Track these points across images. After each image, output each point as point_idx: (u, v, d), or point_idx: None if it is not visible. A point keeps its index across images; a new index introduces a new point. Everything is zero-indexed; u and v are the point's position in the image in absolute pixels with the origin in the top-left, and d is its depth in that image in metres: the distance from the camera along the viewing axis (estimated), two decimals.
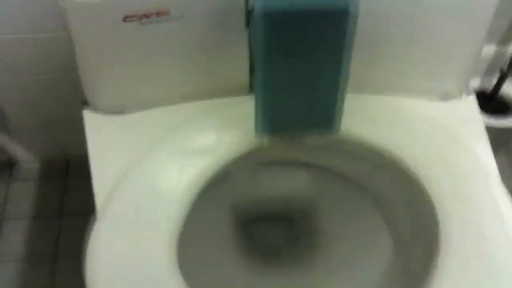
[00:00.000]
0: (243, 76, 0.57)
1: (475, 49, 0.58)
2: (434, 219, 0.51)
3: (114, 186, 0.49)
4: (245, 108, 0.56)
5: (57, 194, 1.00)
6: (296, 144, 0.57)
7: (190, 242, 0.65)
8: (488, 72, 0.86)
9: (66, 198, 0.99)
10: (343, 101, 0.50)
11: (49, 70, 0.78)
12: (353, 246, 0.70)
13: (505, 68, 0.80)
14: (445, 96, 0.62)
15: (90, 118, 0.56)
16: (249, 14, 0.48)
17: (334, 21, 0.43)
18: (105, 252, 0.46)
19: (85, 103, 0.58)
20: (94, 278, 0.44)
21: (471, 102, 0.63)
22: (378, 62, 0.58)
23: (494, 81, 0.84)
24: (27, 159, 1.03)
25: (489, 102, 0.86)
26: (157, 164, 0.52)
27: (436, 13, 0.52)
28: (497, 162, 0.56)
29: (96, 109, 0.57)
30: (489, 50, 0.83)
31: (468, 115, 0.61)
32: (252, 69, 0.54)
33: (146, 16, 0.47)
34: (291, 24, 0.43)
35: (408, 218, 0.63)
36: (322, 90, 0.49)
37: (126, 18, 0.47)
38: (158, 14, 0.48)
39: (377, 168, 0.62)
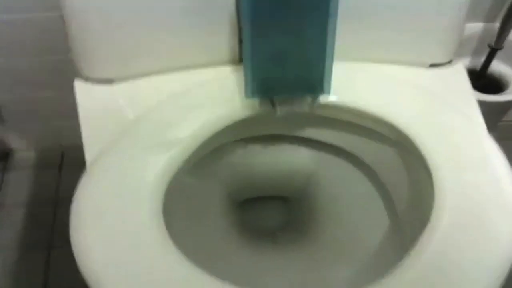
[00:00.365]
0: (232, 46, 0.57)
1: (459, 15, 0.59)
2: (429, 180, 0.51)
3: (103, 150, 0.50)
4: (234, 77, 0.57)
5: (52, 182, 1.00)
6: (285, 112, 0.57)
7: (182, 218, 0.66)
8: (477, 51, 0.87)
9: (61, 187, 0.99)
10: (331, 63, 0.51)
11: (43, 51, 0.78)
12: (349, 219, 0.70)
13: (492, 43, 0.80)
14: (433, 64, 0.62)
15: (81, 87, 0.57)
16: None
17: None
18: (89, 210, 0.46)
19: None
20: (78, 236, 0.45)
21: (460, 69, 0.63)
22: (365, 30, 0.58)
23: (483, 59, 0.85)
24: (22, 148, 1.03)
25: (480, 80, 0.87)
26: (147, 130, 0.52)
27: None
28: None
29: (87, 79, 0.58)
30: (477, 27, 0.84)
31: (456, 81, 0.62)
32: (241, 40, 0.55)
33: None
34: None
35: (403, 186, 0.63)
36: (310, 52, 0.50)
37: None
38: None
39: (369, 135, 0.62)
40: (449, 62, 0.64)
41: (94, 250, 0.43)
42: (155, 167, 0.48)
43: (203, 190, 0.73)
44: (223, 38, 0.57)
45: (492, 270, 0.42)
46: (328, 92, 0.52)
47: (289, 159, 0.75)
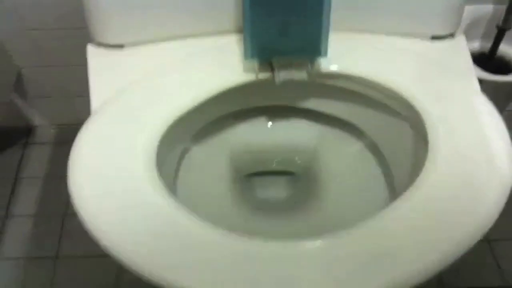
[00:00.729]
0: (237, 14, 0.60)
1: None
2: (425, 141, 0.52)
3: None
4: (237, 44, 0.59)
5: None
6: (284, 78, 0.59)
7: (187, 186, 0.68)
8: (486, 34, 0.87)
9: None
10: (328, 25, 0.53)
11: (64, 25, 0.82)
12: (350, 192, 0.72)
13: (500, 23, 0.81)
14: (435, 36, 0.64)
15: (92, 51, 0.60)
16: None
17: None
18: (86, 155, 0.50)
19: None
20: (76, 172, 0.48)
21: (461, 41, 0.64)
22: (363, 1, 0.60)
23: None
24: (44, 124, 1.08)
25: (490, 62, 0.87)
26: (152, 85, 0.55)
27: None
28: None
29: (99, 44, 0.61)
30: (486, 9, 0.84)
31: (457, 53, 0.63)
32: None
33: None
34: None
35: (402, 159, 0.64)
36: (308, 13, 0.52)
37: None
38: None
39: (370, 105, 0.64)
40: (451, 35, 0.65)
41: (87, 186, 0.47)
42: (154, 118, 0.51)
43: (208, 162, 0.75)
44: (228, 6, 0.60)
45: (477, 217, 0.44)
46: (325, 55, 0.54)
47: (293, 133, 0.77)
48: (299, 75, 0.58)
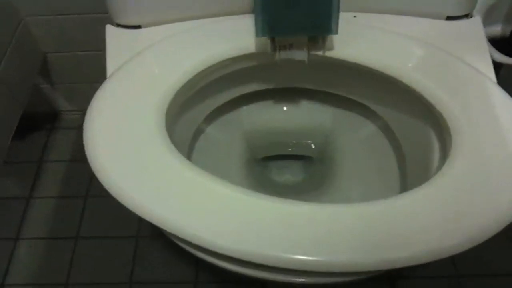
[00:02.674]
0: None
1: None
2: (440, 140, 0.53)
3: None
4: (248, 22, 0.60)
5: None
6: (298, 58, 0.60)
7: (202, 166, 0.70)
8: (508, 17, 0.86)
9: None
10: (338, 3, 0.53)
11: (89, 10, 0.84)
12: (363, 177, 0.72)
13: None
14: (450, 17, 0.63)
15: (110, 31, 0.62)
16: None
17: None
18: (101, 117, 0.53)
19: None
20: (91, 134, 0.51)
21: (476, 22, 0.63)
22: None
23: None
24: (69, 109, 1.12)
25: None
26: (157, 53, 0.58)
27: None
28: None
29: (117, 25, 0.63)
30: None
31: (471, 35, 0.62)
32: None
33: None
34: None
35: (415, 145, 0.64)
36: None
37: None
38: None
39: (384, 88, 0.64)
40: (467, 16, 0.64)
41: (102, 146, 0.49)
42: (165, 82, 0.53)
43: (223, 144, 0.76)
44: None
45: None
46: (336, 32, 0.55)
47: (308, 116, 0.77)
48: (308, 54, 0.59)
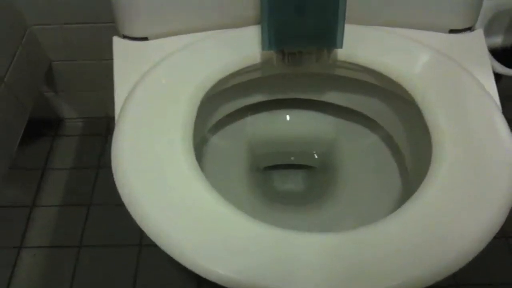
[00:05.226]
0: (255, 7, 0.62)
1: None
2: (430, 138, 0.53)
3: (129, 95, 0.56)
4: (255, 34, 0.61)
5: (97, 149, 1.08)
6: (301, 69, 0.60)
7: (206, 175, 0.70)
8: (510, 28, 0.87)
9: (105, 152, 1.07)
10: (344, 16, 0.54)
11: (94, 19, 0.85)
12: (366, 185, 0.73)
13: None
14: (453, 30, 0.64)
15: (118, 44, 0.63)
16: None
17: None
18: (126, 142, 0.52)
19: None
20: (117, 163, 0.50)
21: (479, 35, 0.64)
22: None
23: None
24: (73, 117, 1.12)
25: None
26: (170, 68, 0.58)
27: None
28: None
29: (124, 37, 0.64)
30: (510, 3, 0.84)
31: (474, 47, 0.63)
32: None
33: None
34: None
35: (416, 153, 0.65)
36: (324, 6, 0.53)
37: None
38: None
39: (385, 98, 0.65)
40: (469, 29, 0.65)
41: (129, 170, 0.48)
42: (182, 99, 0.54)
43: (226, 153, 0.77)
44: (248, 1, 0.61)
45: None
46: (341, 46, 0.55)
47: (311, 126, 0.78)
48: (314, 66, 0.60)
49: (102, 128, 1.12)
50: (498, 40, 0.89)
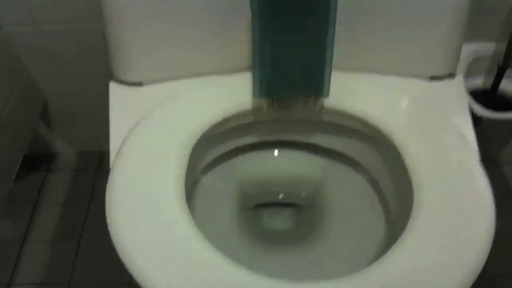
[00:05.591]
0: (247, 55, 0.65)
1: (458, 30, 0.64)
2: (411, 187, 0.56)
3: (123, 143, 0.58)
4: (245, 81, 0.64)
5: (89, 184, 1.10)
6: (290, 114, 0.63)
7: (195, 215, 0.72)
8: (490, 71, 0.91)
9: (96, 187, 1.08)
10: (330, 68, 0.57)
11: (87, 58, 0.88)
12: (351, 225, 0.74)
13: (501, 62, 0.84)
14: (434, 76, 0.67)
15: (114, 88, 0.66)
16: None
17: None
18: (120, 189, 0.53)
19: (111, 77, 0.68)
20: (112, 210, 0.52)
21: (458, 83, 0.67)
22: (365, 39, 0.64)
23: None
24: (65, 151, 1.14)
25: (492, 97, 0.90)
26: (164, 116, 0.61)
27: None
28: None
29: (120, 82, 0.66)
30: (490, 47, 0.88)
31: (453, 94, 0.66)
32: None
33: None
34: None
35: (399, 197, 0.67)
36: (312, 58, 0.56)
37: None
38: None
39: (368, 142, 0.67)
40: (450, 75, 0.69)
41: (125, 229, 0.50)
42: (174, 153, 0.56)
43: (216, 192, 0.79)
44: (240, 50, 0.64)
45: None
46: (327, 96, 0.58)
47: (298, 166, 0.80)
48: (302, 110, 0.62)
49: (94, 162, 1.13)
50: (478, 82, 0.93)
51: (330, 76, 0.57)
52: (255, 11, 0.52)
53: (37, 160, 1.12)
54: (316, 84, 0.58)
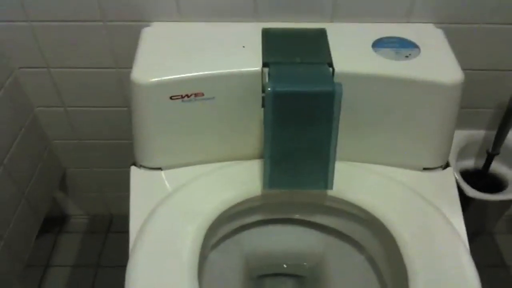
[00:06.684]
0: (258, 145, 0.72)
1: (449, 127, 0.71)
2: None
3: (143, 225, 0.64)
4: (256, 168, 0.71)
5: (98, 246, 1.14)
6: (295, 200, 0.69)
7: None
8: (480, 154, 0.98)
9: (105, 251, 1.13)
10: (334, 163, 0.64)
11: (108, 137, 0.96)
12: None
13: (490, 149, 0.91)
14: (426, 168, 0.74)
15: (135, 173, 0.72)
16: (264, 98, 0.64)
17: (324, 100, 0.58)
18: (139, 277, 0.59)
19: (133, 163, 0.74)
20: None
21: (449, 174, 0.74)
22: (364, 139, 0.72)
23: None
24: (77, 214, 1.19)
25: (483, 179, 0.96)
26: (179, 202, 0.67)
27: (410, 100, 0.67)
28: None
29: (140, 167, 0.73)
30: (480, 134, 0.95)
31: (445, 185, 0.72)
32: None
33: (187, 96, 0.65)
34: (292, 102, 0.59)
35: (395, 277, 0.72)
36: (317, 154, 0.63)
37: (172, 97, 0.64)
38: (196, 95, 0.65)
39: (364, 224, 0.73)
40: (441, 166, 0.75)
41: None
42: (189, 234, 0.62)
43: (225, 266, 0.84)
44: (253, 142, 0.72)
45: None
46: (331, 188, 0.65)
47: (302, 241, 0.86)
48: (308, 198, 0.69)
49: (104, 225, 1.18)
50: (470, 163, 1.00)
51: (333, 172, 0.64)
52: (268, 125, 0.60)
53: (49, 222, 1.17)
54: (321, 180, 0.64)
